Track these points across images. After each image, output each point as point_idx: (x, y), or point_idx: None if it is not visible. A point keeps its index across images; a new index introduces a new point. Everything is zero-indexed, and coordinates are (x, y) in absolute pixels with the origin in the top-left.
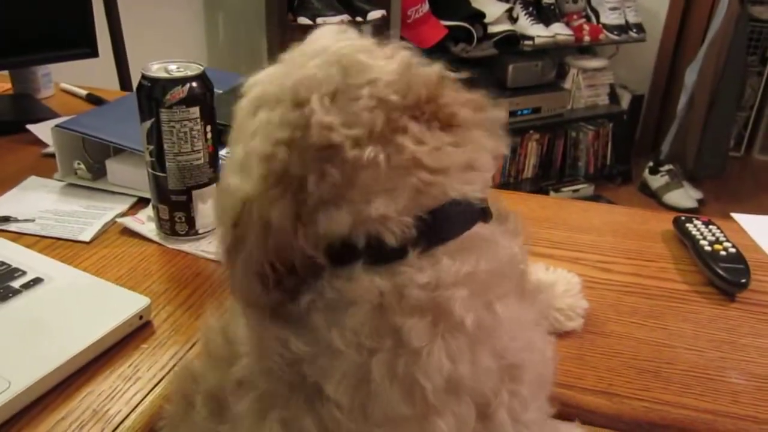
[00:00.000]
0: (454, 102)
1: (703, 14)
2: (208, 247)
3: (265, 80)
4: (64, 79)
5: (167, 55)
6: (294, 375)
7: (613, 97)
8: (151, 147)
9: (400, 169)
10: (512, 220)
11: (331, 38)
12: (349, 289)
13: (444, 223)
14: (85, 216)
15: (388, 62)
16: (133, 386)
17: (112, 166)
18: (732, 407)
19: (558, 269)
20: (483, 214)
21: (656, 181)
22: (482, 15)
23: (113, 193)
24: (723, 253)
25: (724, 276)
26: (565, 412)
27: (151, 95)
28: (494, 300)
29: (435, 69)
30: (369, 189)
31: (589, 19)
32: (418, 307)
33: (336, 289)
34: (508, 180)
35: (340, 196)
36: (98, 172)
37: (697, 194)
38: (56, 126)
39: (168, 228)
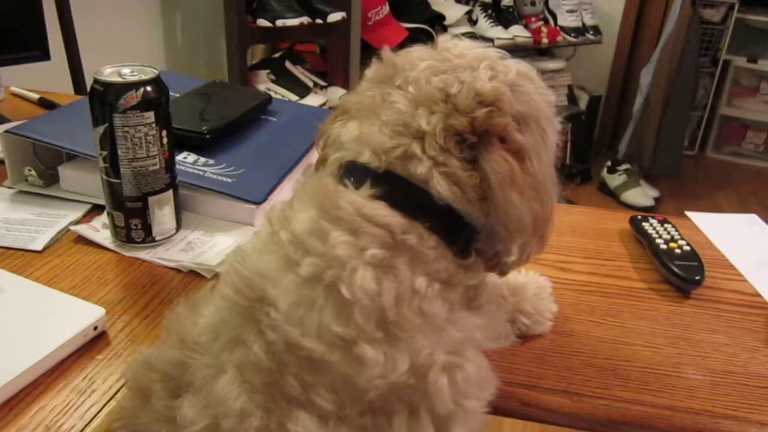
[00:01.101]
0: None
1: (657, 17)
2: (165, 254)
3: None
4: (15, 82)
5: (124, 58)
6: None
7: (572, 98)
8: (105, 153)
9: None
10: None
11: None
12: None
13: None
14: (37, 224)
15: None
16: (88, 399)
17: (65, 172)
18: (688, 402)
19: (530, 272)
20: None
21: (614, 180)
22: (442, 17)
23: (66, 200)
24: (678, 251)
25: (680, 273)
26: (526, 412)
27: (104, 100)
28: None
29: None
30: None
31: (547, 22)
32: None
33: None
34: None
35: None
36: (50, 178)
37: (654, 192)
38: (5, 131)
39: (124, 235)
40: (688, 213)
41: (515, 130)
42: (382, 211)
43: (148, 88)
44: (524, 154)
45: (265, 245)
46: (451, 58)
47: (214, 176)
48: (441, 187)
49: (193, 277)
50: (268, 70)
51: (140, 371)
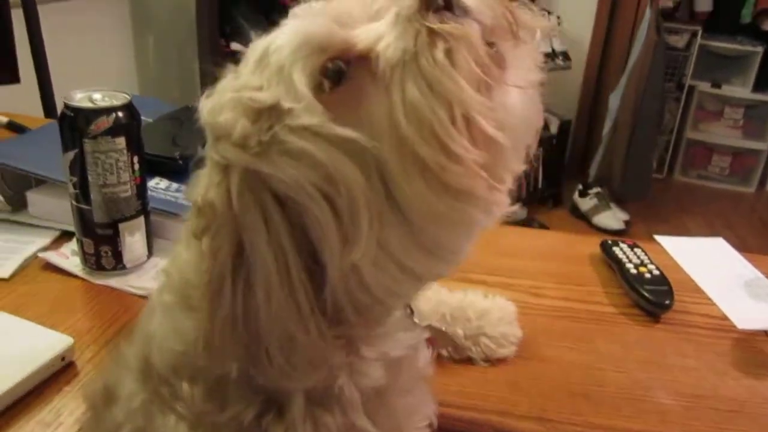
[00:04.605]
0: None
1: (624, 42)
2: (136, 282)
3: None
4: None
5: (95, 80)
6: None
7: (543, 122)
8: (75, 179)
9: None
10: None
11: None
12: None
13: None
14: (3, 251)
15: None
16: None
17: (34, 197)
18: (661, 427)
19: (496, 297)
20: None
21: (585, 204)
22: None
23: (35, 226)
24: (648, 275)
25: (649, 298)
26: None
27: (75, 125)
28: None
29: None
30: None
31: None
32: None
33: None
34: None
35: None
36: (18, 203)
37: (624, 216)
38: None
39: (93, 263)
40: (657, 237)
41: None
42: None
43: (120, 114)
44: None
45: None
46: None
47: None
48: None
49: None
50: None
51: (105, 372)
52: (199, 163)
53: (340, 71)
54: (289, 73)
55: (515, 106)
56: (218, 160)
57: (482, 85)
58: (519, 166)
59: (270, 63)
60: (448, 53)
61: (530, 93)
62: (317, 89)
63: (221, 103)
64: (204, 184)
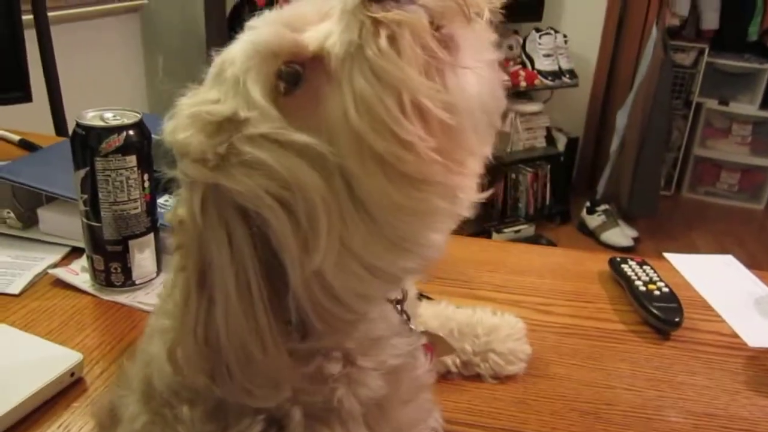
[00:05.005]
0: None
1: (630, 60)
2: (145, 299)
3: None
4: None
5: (105, 98)
6: None
7: (550, 139)
8: (86, 196)
9: None
10: None
11: None
12: None
13: None
14: (14, 267)
15: None
16: None
17: (45, 214)
18: None
19: (505, 314)
20: None
21: (593, 221)
22: None
23: (45, 242)
24: (657, 292)
25: (659, 315)
26: None
27: (86, 144)
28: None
29: None
30: None
31: (524, 66)
32: None
33: None
34: None
35: None
36: (29, 220)
37: (633, 232)
38: None
39: (103, 279)
40: (666, 254)
41: None
42: None
43: (131, 132)
44: None
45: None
46: None
47: None
48: None
49: None
50: None
51: (112, 393)
52: (170, 183)
53: (296, 74)
54: (243, 83)
55: (469, 87)
56: (182, 177)
57: (430, 70)
58: (483, 148)
59: (227, 76)
60: (392, 41)
61: (485, 73)
62: (275, 95)
63: (180, 121)
64: (177, 202)
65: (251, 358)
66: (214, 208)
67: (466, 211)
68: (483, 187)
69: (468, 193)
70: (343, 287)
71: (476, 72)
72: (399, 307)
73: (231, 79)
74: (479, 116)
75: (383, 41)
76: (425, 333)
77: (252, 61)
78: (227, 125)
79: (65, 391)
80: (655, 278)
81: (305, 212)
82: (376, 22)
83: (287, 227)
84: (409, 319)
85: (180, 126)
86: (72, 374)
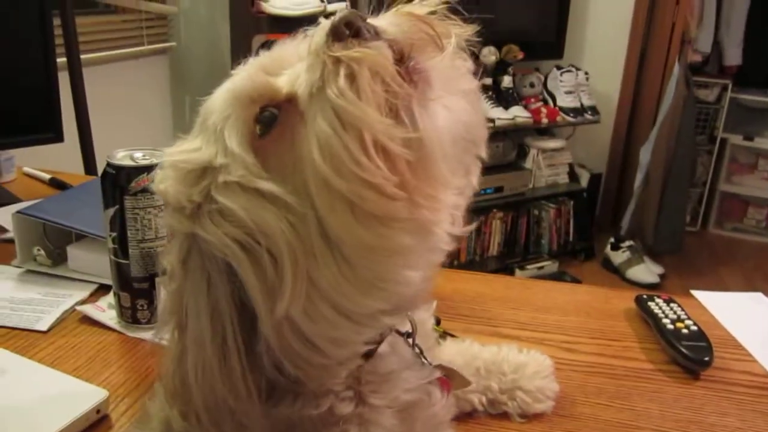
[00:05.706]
0: None
1: (653, 96)
2: None
3: None
4: (28, 162)
5: (134, 138)
6: None
7: (573, 175)
8: (114, 234)
9: None
10: None
11: None
12: None
13: None
14: (43, 304)
15: None
16: None
17: (74, 252)
18: None
19: (531, 351)
20: None
21: (618, 257)
22: None
23: (73, 279)
24: (685, 331)
25: (687, 354)
26: None
27: (116, 183)
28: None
29: None
30: None
31: (546, 102)
32: None
33: None
34: (474, 258)
35: None
36: (58, 258)
37: (659, 269)
38: (17, 212)
39: (129, 316)
40: (693, 292)
41: None
42: None
43: None
44: None
45: None
46: None
47: None
48: None
49: None
50: None
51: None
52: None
53: (273, 117)
54: (221, 131)
55: (437, 120)
56: (167, 227)
57: (393, 106)
58: (458, 180)
59: (208, 125)
60: (351, 79)
61: (458, 104)
62: (252, 139)
63: (163, 170)
64: (165, 249)
65: (223, 404)
66: (198, 257)
67: (447, 245)
68: (506, 225)
69: (444, 227)
70: (314, 332)
71: (446, 104)
72: (411, 340)
73: (211, 127)
74: (450, 148)
75: (341, 80)
76: (439, 367)
77: (230, 109)
78: (205, 173)
79: (91, 428)
80: (683, 316)
81: (269, 258)
82: (337, 61)
83: (252, 275)
84: (421, 352)
85: (162, 175)
86: (98, 411)
